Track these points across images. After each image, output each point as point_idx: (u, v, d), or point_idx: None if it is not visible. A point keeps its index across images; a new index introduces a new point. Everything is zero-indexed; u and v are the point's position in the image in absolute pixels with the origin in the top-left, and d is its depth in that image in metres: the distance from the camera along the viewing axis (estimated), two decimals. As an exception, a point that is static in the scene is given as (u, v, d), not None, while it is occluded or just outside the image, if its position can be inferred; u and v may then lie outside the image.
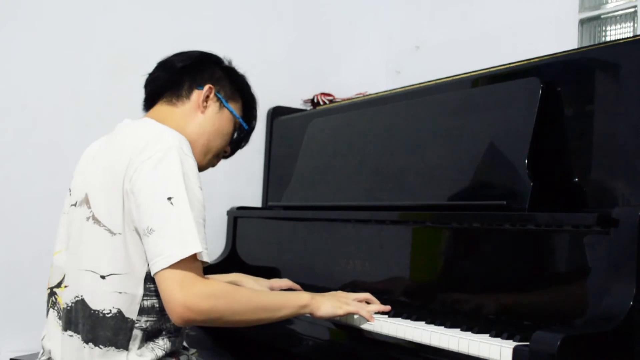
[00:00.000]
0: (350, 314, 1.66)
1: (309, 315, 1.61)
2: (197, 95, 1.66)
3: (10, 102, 2.60)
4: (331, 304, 1.61)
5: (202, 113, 1.66)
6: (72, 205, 1.59)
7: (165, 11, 2.91)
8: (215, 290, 1.41)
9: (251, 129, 1.79)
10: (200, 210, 1.46)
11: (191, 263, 1.39)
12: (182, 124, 1.60)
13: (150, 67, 2.90)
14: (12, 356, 2.44)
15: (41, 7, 2.64)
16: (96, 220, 1.48)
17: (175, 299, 1.37)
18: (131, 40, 2.82)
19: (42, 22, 2.64)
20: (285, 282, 1.98)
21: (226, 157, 1.80)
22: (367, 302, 1.71)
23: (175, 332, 1.54)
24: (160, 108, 1.66)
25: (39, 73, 2.64)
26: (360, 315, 1.65)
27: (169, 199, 1.41)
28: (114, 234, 1.46)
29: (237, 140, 1.76)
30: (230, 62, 1.77)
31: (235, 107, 1.72)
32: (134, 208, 1.43)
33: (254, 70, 3.04)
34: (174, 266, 1.37)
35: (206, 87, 1.66)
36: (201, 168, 1.65)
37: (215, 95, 1.67)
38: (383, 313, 1.69)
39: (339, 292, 1.70)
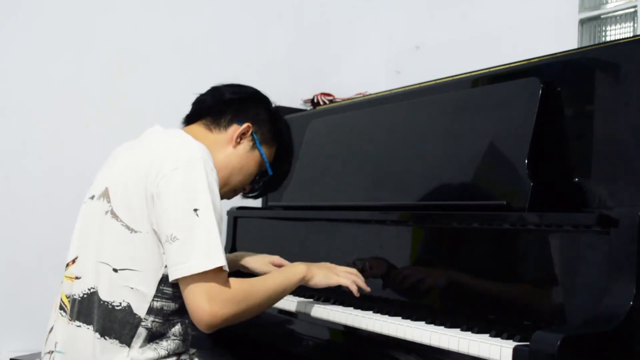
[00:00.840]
0: (339, 285, 1.76)
1: (304, 284, 1.71)
2: (235, 129, 1.70)
3: (11, 102, 2.60)
4: (323, 274, 1.74)
5: (233, 147, 1.70)
6: (90, 197, 1.62)
7: (165, 11, 2.91)
8: (237, 296, 1.48)
9: (278, 176, 1.82)
10: (221, 222, 1.50)
11: (217, 274, 1.45)
12: (212, 150, 1.62)
13: (150, 67, 2.92)
14: (12, 356, 2.44)
15: (41, 7, 2.64)
16: (114, 215, 1.52)
17: (202, 310, 1.42)
18: (131, 40, 2.83)
19: (42, 22, 2.64)
20: (278, 260, 1.99)
21: (248, 195, 1.84)
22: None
23: (180, 336, 1.57)
24: (196, 128, 1.71)
25: (39, 73, 2.64)
26: (348, 288, 1.75)
27: (195, 210, 1.45)
28: (133, 231, 1.49)
29: (259, 182, 1.80)
30: (277, 108, 1.81)
31: (267, 152, 1.75)
32: (158, 213, 1.47)
33: (254, 70, 3.08)
34: (200, 276, 1.43)
35: (245, 124, 1.70)
36: None
37: (251, 134, 1.71)
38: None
39: (329, 264, 1.80)
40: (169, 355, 1.54)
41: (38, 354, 1.64)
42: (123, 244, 1.50)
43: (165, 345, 1.53)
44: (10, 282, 2.57)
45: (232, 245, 2.62)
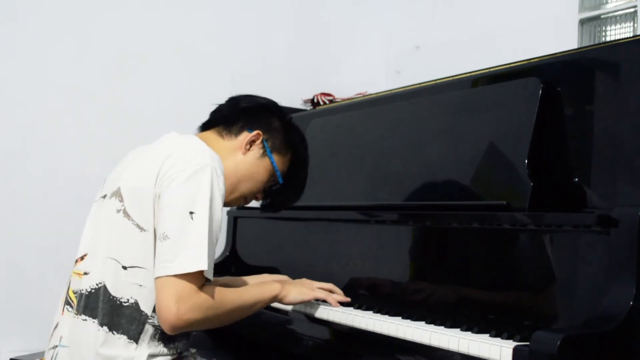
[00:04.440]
0: (317, 300, 1.79)
1: (279, 302, 1.74)
2: (244, 136, 1.72)
3: (11, 102, 2.60)
4: (298, 291, 1.75)
5: (243, 154, 1.72)
6: (102, 197, 1.64)
7: (165, 11, 2.91)
8: (207, 302, 1.48)
9: (294, 186, 1.82)
10: (217, 231, 1.53)
11: (194, 278, 1.46)
12: (221, 155, 1.64)
13: (150, 67, 2.91)
14: (12, 356, 2.44)
15: (41, 6, 2.64)
16: (126, 214, 1.54)
17: (169, 310, 1.44)
18: (131, 40, 2.83)
19: (42, 22, 2.64)
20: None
21: (265, 207, 1.85)
22: (331, 292, 1.82)
23: (188, 335, 1.60)
24: (209, 135, 1.74)
25: (39, 73, 2.64)
26: (327, 302, 1.78)
27: (191, 213, 1.47)
28: (144, 230, 1.52)
29: (270, 191, 1.80)
30: (291, 119, 1.82)
31: (278, 160, 1.76)
32: (158, 212, 1.50)
33: (254, 70, 3.08)
34: (178, 277, 1.45)
35: (256, 132, 1.72)
36: (225, 204, 1.67)
37: (261, 142, 1.73)
38: (346, 304, 1.80)
39: (305, 280, 1.83)
40: (176, 354, 1.58)
41: (38, 354, 1.64)
42: (133, 242, 1.52)
43: (175, 346, 1.57)
44: (10, 282, 2.57)
45: (232, 246, 2.63)
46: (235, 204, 1.78)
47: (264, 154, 1.74)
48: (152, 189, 1.51)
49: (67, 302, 1.61)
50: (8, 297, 2.56)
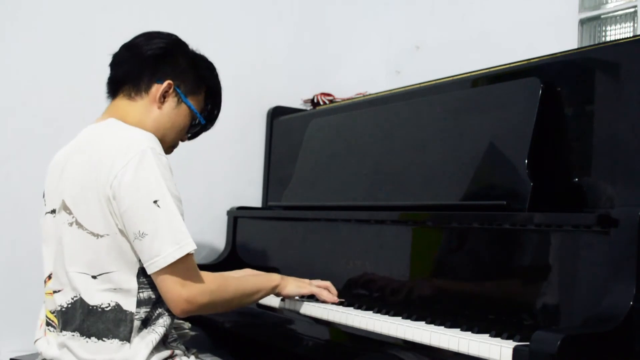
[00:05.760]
0: (312, 294, 1.86)
1: (277, 293, 1.80)
2: (156, 89, 1.64)
3: (11, 102, 2.60)
4: (296, 284, 1.82)
5: (159, 108, 1.65)
6: (50, 212, 1.60)
7: (165, 11, 2.91)
8: (212, 285, 1.54)
9: (212, 119, 1.79)
10: (180, 206, 1.52)
11: (187, 260, 1.48)
12: (141, 118, 1.62)
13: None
14: (12, 356, 2.44)
15: (41, 6, 2.64)
16: (79, 225, 1.51)
17: (178, 296, 1.47)
18: (131, 40, 2.82)
19: (42, 22, 2.64)
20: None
21: (191, 138, 1.81)
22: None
23: (168, 311, 1.56)
24: (120, 103, 1.66)
25: (39, 72, 2.64)
26: (323, 298, 1.84)
27: (155, 202, 1.46)
28: (99, 236, 1.49)
29: (194, 132, 1.78)
30: (197, 50, 1.75)
31: (195, 101, 1.71)
32: (120, 213, 1.47)
33: (254, 70, 3.07)
34: (172, 265, 1.46)
35: (165, 82, 1.64)
36: None
37: (174, 89, 1.66)
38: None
39: (303, 279, 1.87)
40: (168, 332, 1.57)
41: (38, 354, 1.63)
42: (93, 250, 1.49)
43: (162, 322, 1.54)
44: (10, 282, 2.57)
45: (232, 246, 2.63)
46: (166, 153, 1.68)
47: (180, 101, 1.67)
48: (101, 193, 1.48)
49: (48, 324, 1.59)
50: (8, 297, 2.56)
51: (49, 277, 1.59)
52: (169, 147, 1.71)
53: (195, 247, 1.49)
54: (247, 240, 2.59)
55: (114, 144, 1.52)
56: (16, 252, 2.58)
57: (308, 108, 3.06)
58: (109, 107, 1.69)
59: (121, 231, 1.49)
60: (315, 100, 3.05)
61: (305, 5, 3.25)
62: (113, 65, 1.70)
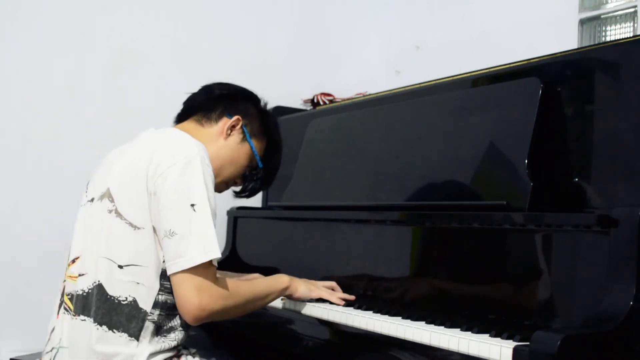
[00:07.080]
0: (322, 298, 1.85)
1: (287, 296, 1.81)
2: (225, 122, 1.75)
3: (11, 102, 2.60)
4: (306, 287, 1.83)
5: (224, 139, 1.75)
6: (89, 200, 1.64)
7: (165, 11, 2.91)
8: (225, 291, 1.54)
9: (269, 171, 1.85)
10: (215, 218, 1.54)
11: (208, 267, 1.50)
12: (204, 142, 1.65)
13: (150, 67, 2.91)
14: (12, 356, 2.44)
15: (41, 6, 2.64)
16: (118, 214, 1.55)
17: (191, 302, 1.47)
18: (131, 40, 2.83)
19: (42, 22, 2.64)
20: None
21: (240, 194, 1.87)
22: (333, 289, 1.89)
23: (184, 327, 1.61)
24: (188, 124, 1.76)
25: (39, 73, 2.64)
26: (330, 301, 1.83)
27: (192, 205, 1.49)
28: (137, 228, 1.53)
29: (250, 176, 1.83)
30: (266, 105, 1.87)
31: (257, 145, 1.80)
32: (156, 210, 1.51)
33: (254, 70, 3.07)
34: (193, 269, 1.47)
35: (235, 117, 1.76)
36: None
37: (241, 127, 1.76)
38: (348, 302, 1.83)
39: (308, 280, 1.87)
40: (177, 346, 1.59)
41: (38, 354, 1.64)
42: (128, 240, 1.53)
43: (174, 337, 1.58)
44: (10, 282, 2.57)
45: (232, 246, 2.62)
46: (217, 190, 1.78)
47: (244, 139, 1.77)
48: (144, 186, 1.52)
49: (63, 306, 1.61)
50: (8, 297, 2.56)
51: (73, 261, 1.62)
52: (222, 182, 1.79)
53: (219, 256, 1.50)
54: (247, 240, 2.59)
55: (167, 144, 1.57)
56: (16, 252, 2.58)
57: (308, 108, 3.06)
58: (176, 126, 1.77)
59: (154, 228, 1.52)
60: (315, 100, 3.05)
61: (305, 5, 3.25)
62: (187, 100, 1.81)
